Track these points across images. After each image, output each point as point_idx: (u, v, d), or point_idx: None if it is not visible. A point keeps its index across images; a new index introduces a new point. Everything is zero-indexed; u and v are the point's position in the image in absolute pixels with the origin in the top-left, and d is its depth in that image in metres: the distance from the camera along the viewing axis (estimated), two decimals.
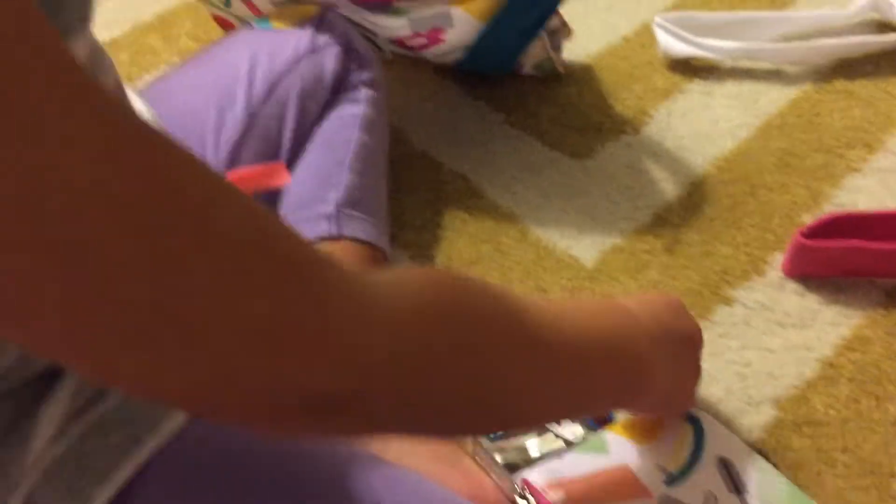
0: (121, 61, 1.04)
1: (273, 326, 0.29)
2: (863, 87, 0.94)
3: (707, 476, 0.60)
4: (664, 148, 0.90)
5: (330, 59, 0.77)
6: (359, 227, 0.72)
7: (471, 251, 0.82)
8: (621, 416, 0.63)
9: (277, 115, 0.74)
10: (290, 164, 0.74)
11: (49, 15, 0.33)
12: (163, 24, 1.10)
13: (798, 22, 1.00)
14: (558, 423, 0.63)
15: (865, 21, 1.00)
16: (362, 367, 0.32)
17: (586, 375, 0.46)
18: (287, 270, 0.30)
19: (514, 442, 0.62)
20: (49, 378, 0.40)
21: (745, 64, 0.97)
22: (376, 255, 0.74)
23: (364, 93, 0.79)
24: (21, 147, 0.23)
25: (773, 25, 1.00)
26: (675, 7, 1.05)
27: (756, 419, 0.69)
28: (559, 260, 0.81)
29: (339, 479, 0.47)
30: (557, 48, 0.94)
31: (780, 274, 0.78)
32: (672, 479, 0.60)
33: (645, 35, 1.02)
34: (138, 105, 0.53)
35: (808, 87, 0.95)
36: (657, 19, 0.98)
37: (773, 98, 0.94)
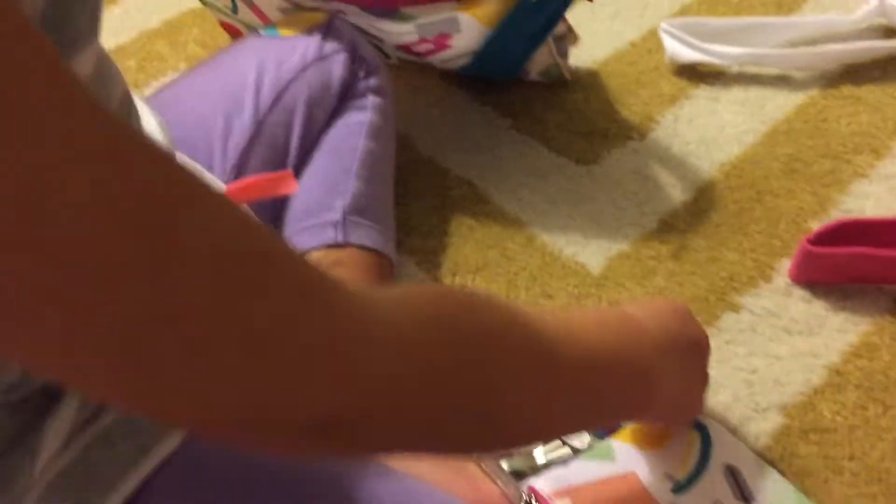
0: (128, 68, 1.05)
1: (273, 345, 0.29)
2: (870, 93, 0.94)
3: (714, 484, 0.60)
4: (670, 154, 0.90)
5: (337, 66, 0.78)
6: (365, 235, 0.73)
7: (477, 257, 0.82)
8: (628, 424, 0.63)
9: (285, 122, 0.74)
10: (297, 171, 0.74)
11: (53, 30, 0.34)
12: (170, 30, 1.10)
13: (805, 27, 1.00)
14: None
15: (872, 26, 1.00)
16: (364, 388, 0.32)
17: (594, 391, 0.46)
18: (289, 289, 0.30)
19: (521, 449, 0.62)
20: (54, 392, 0.40)
21: (752, 69, 0.97)
22: (382, 263, 0.74)
23: (371, 100, 0.79)
24: (21, 147, 0.22)
25: (780, 31, 0.99)
26: (682, 13, 1.05)
27: (763, 426, 0.68)
28: (565, 266, 0.81)
29: (343, 484, 0.47)
30: (564, 54, 0.94)
31: (787, 280, 0.78)
32: (679, 487, 0.60)
33: (651, 41, 1.02)
34: (146, 113, 0.53)
35: (814, 92, 0.95)
36: (664, 25, 0.98)
37: (780, 104, 0.94)
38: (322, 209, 0.72)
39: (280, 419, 0.31)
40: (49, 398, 0.40)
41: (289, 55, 0.77)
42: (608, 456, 0.61)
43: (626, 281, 0.79)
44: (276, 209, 0.73)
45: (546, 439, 0.58)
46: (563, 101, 0.96)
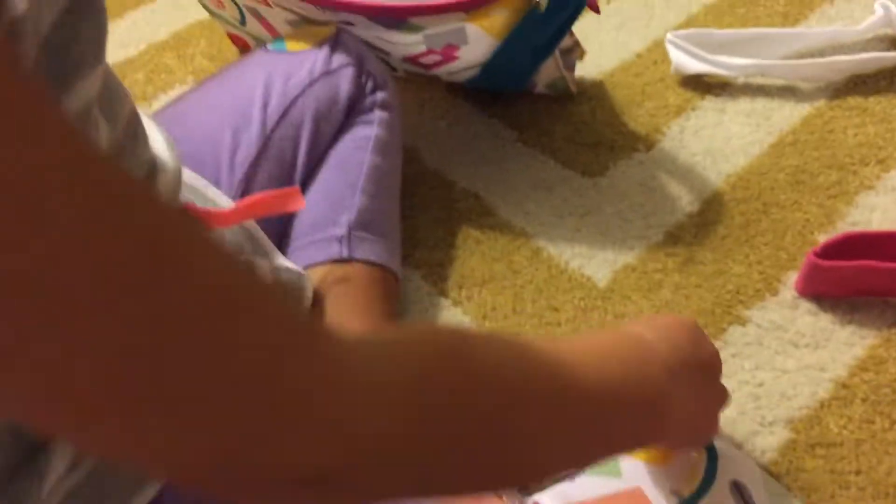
0: (136, 80, 1.05)
1: (259, 397, 0.28)
2: (877, 104, 0.94)
3: (720, 500, 0.60)
4: (677, 165, 0.90)
5: (344, 80, 0.78)
6: (370, 250, 0.73)
7: (483, 270, 0.82)
8: None
9: (292, 136, 0.74)
10: (304, 185, 0.75)
11: (57, 56, 0.34)
12: (178, 42, 1.11)
13: (811, 38, 1.00)
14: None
15: (878, 37, 1.00)
16: (350, 441, 0.31)
17: (602, 424, 0.44)
18: (276, 339, 0.29)
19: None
20: None
21: (758, 81, 0.97)
22: (387, 278, 0.74)
23: (377, 115, 0.79)
24: (21, 147, 0.22)
25: (786, 42, 0.99)
26: (688, 24, 1.05)
27: (769, 440, 0.68)
28: (571, 279, 0.81)
29: None
30: (570, 67, 0.94)
31: (794, 293, 0.78)
32: (685, 503, 0.60)
33: (657, 52, 1.02)
34: (153, 130, 0.54)
35: (821, 103, 0.95)
36: (669, 36, 0.98)
37: (786, 115, 0.94)
38: (328, 224, 0.73)
39: (265, 472, 0.30)
40: None
41: (296, 70, 0.77)
42: (614, 471, 0.61)
43: (632, 294, 0.79)
44: (282, 223, 0.74)
45: (551, 475, 0.56)
46: (570, 113, 0.96)
